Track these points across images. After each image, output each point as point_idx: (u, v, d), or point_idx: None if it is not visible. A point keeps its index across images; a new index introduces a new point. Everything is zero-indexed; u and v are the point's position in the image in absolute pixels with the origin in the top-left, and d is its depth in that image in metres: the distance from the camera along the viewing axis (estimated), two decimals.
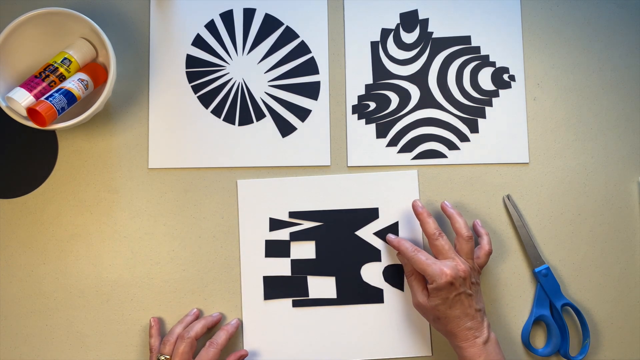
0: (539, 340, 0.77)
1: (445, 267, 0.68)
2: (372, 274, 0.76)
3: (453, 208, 0.73)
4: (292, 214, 0.77)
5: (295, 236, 0.76)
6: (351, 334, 0.76)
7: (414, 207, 0.73)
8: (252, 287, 0.76)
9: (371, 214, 0.77)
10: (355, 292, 0.76)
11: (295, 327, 0.76)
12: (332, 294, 0.76)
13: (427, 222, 0.71)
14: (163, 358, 0.70)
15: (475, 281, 0.70)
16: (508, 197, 0.77)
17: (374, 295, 0.76)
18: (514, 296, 0.77)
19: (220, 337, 0.72)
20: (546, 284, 0.75)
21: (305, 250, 0.76)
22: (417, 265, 0.70)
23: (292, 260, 0.76)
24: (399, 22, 0.80)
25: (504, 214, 0.78)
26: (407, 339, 0.76)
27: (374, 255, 0.77)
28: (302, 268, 0.76)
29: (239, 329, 0.75)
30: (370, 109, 0.79)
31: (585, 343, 0.75)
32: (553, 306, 0.75)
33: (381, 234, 0.77)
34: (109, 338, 0.75)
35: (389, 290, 0.76)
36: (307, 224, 0.77)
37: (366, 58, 0.79)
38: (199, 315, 0.75)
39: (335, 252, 0.76)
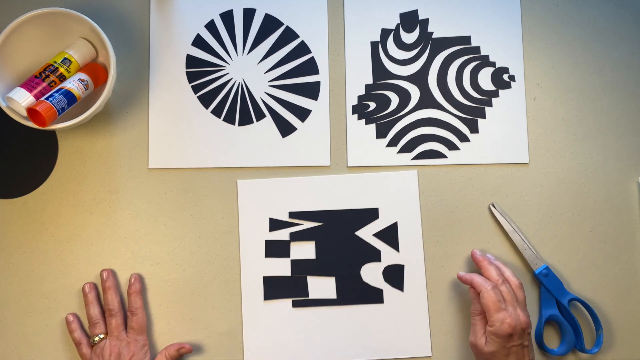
0: (553, 340, 0.77)
1: (508, 316, 0.67)
2: (372, 274, 0.76)
3: (493, 258, 0.74)
4: (292, 214, 0.77)
5: (295, 236, 0.76)
6: (351, 334, 0.76)
7: (473, 256, 0.74)
8: (252, 287, 0.76)
9: (371, 214, 0.77)
10: (355, 293, 0.76)
11: (295, 327, 0.76)
12: (332, 294, 0.76)
13: (488, 269, 0.72)
14: (99, 338, 0.71)
15: (530, 331, 0.69)
16: (493, 205, 0.77)
17: (374, 296, 0.76)
18: None
19: (135, 301, 0.73)
20: (548, 284, 0.75)
21: (305, 250, 0.76)
22: (487, 300, 0.68)
23: (292, 260, 0.76)
24: (399, 22, 0.80)
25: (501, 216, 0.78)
26: (407, 339, 0.76)
27: (373, 255, 0.77)
28: (302, 268, 0.76)
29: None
30: (370, 109, 0.79)
31: (599, 334, 0.75)
32: (560, 304, 0.75)
33: (381, 234, 0.77)
34: None
35: (388, 291, 0.76)
36: (307, 224, 0.77)
37: (366, 58, 0.79)
38: (95, 287, 0.75)
39: (335, 252, 0.76)
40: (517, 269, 0.77)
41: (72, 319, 0.74)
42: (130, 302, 0.73)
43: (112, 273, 0.75)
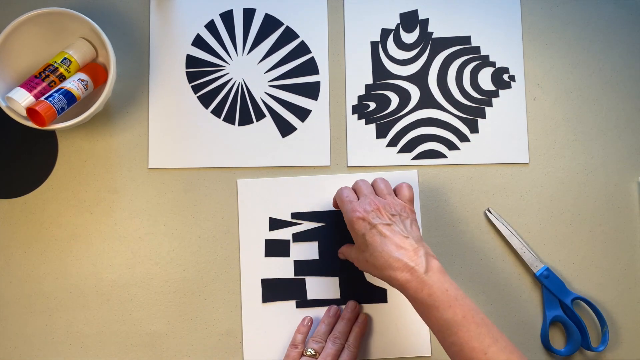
0: (559, 341, 0.77)
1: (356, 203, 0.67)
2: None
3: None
4: (294, 215, 0.76)
5: (298, 237, 0.76)
6: None
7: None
8: (251, 287, 0.76)
9: None
10: (359, 293, 0.76)
11: (296, 327, 0.75)
12: (335, 294, 0.76)
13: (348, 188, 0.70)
14: (310, 353, 0.70)
15: (396, 213, 0.66)
16: (489, 210, 0.77)
17: (378, 296, 0.76)
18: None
19: (356, 339, 0.72)
20: (550, 285, 0.75)
21: (307, 250, 0.76)
22: (337, 200, 0.70)
23: (295, 260, 0.76)
24: (399, 22, 0.80)
25: (504, 215, 0.78)
26: (406, 339, 0.76)
27: None
28: (304, 268, 0.76)
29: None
30: (370, 109, 0.79)
31: (604, 331, 0.75)
32: (563, 304, 0.75)
33: None
34: (109, 338, 0.75)
35: (389, 291, 0.76)
36: (309, 225, 0.77)
37: (366, 58, 0.79)
38: (339, 314, 0.75)
39: (337, 252, 0.76)
40: (517, 271, 0.77)
41: (308, 323, 0.74)
42: (353, 336, 0.73)
43: (359, 308, 0.75)
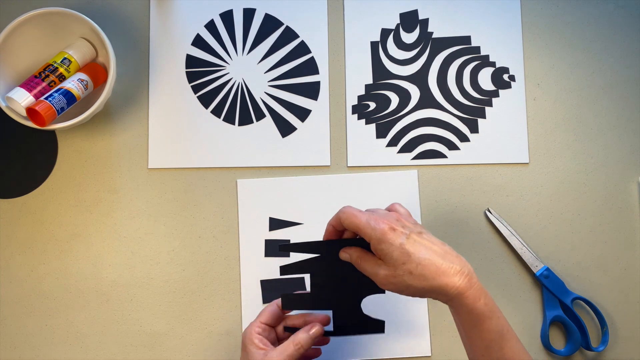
0: (559, 341, 0.77)
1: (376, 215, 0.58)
2: None
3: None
4: (283, 247, 0.66)
5: (287, 269, 0.66)
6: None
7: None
8: (251, 287, 0.76)
9: None
10: (354, 324, 0.71)
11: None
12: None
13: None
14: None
15: (414, 222, 0.59)
16: (489, 210, 0.77)
17: (374, 326, 0.68)
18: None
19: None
20: (550, 285, 0.75)
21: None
22: (347, 219, 0.58)
23: (282, 294, 0.70)
24: (399, 22, 0.80)
25: (504, 215, 0.78)
26: (406, 339, 0.76)
27: None
28: (294, 303, 0.68)
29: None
30: (370, 109, 0.79)
31: (604, 331, 0.75)
32: (563, 304, 0.76)
33: None
34: (109, 338, 0.75)
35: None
36: (300, 256, 0.67)
37: (366, 58, 0.79)
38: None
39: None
40: (517, 271, 0.77)
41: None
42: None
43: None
